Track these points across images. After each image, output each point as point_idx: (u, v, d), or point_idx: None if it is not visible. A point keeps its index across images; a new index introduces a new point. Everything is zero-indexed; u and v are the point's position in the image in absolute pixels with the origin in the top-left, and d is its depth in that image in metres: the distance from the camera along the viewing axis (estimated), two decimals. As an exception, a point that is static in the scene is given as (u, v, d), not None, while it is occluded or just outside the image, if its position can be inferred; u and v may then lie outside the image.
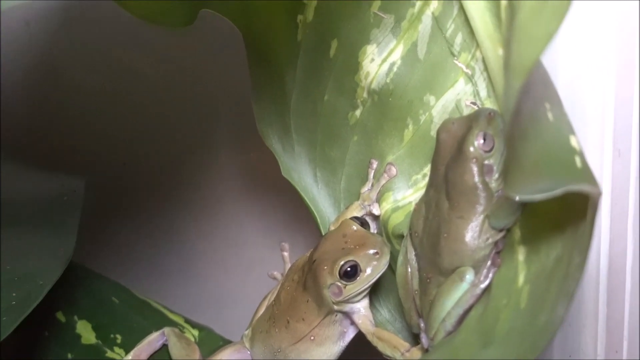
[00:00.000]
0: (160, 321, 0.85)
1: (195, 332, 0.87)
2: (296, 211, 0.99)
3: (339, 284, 0.74)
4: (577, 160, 0.54)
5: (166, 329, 0.84)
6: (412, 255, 0.73)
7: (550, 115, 0.58)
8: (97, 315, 0.79)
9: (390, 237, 0.79)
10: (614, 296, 0.67)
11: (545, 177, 0.55)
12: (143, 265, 1.06)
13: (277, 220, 1.04)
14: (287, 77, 0.81)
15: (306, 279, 0.77)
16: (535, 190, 0.53)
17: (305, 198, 0.84)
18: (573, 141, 0.57)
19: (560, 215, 0.61)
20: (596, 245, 0.72)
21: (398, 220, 0.77)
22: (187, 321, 0.88)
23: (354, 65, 0.73)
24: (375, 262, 0.73)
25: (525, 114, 0.56)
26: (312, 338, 0.73)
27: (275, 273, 0.89)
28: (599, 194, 0.52)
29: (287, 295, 0.80)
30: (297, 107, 0.83)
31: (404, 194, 0.78)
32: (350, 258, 0.72)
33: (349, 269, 0.72)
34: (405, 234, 0.74)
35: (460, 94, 0.73)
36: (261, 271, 0.89)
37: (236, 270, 1.07)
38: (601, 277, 0.69)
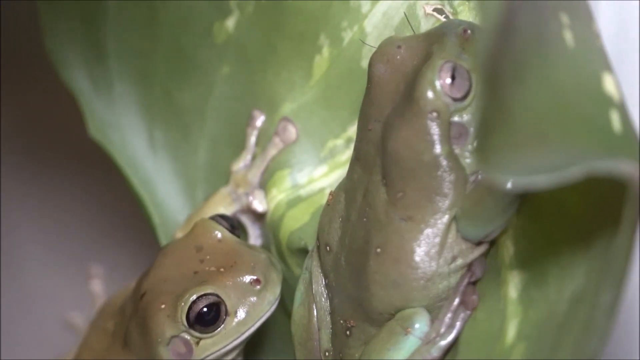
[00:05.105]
0: None
1: None
2: (116, 205, 1.00)
3: (187, 336, 0.74)
4: (615, 117, 0.56)
5: None
6: (321, 287, 0.73)
7: (569, 37, 0.58)
8: None
9: (284, 254, 0.79)
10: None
11: (557, 146, 0.55)
12: None
13: (80, 222, 1.04)
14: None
15: (129, 328, 0.77)
16: (540, 170, 0.54)
17: (133, 179, 0.84)
18: (608, 84, 0.58)
19: (585, 219, 0.62)
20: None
21: (298, 223, 0.78)
22: None
23: None
24: (253, 299, 0.74)
25: (524, 33, 0.56)
26: None
27: (74, 317, 0.90)
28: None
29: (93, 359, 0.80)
30: (119, 9, 0.82)
31: (310, 174, 0.79)
32: (209, 290, 0.73)
33: (205, 309, 0.74)
34: (310, 249, 0.75)
35: (416, -7, 0.74)
36: (49, 316, 0.90)
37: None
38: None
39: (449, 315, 0.67)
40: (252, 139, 0.80)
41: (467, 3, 0.73)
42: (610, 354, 0.83)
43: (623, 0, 0.79)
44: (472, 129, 0.67)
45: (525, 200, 0.65)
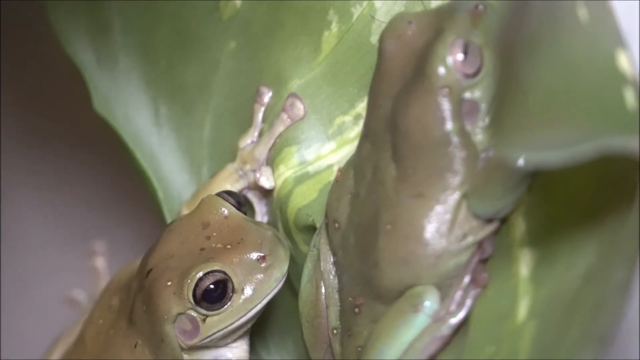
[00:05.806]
0: None
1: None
2: (120, 180, 1.00)
3: (194, 314, 0.75)
4: (629, 94, 0.56)
5: None
6: (329, 264, 0.73)
7: (582, 12, 0.58)
8: None
9: (292, 231, 0.79)
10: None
11: (570, 124, 0.55)
12: None
13: (83, 198, 1.04)
14: None
15: (134, 305, 0.77)
16: (552, 147, 0.54)
17: (137, 155, 0.84)
18: (622, 60, 0.57)
19: (596, 197, 0.62)
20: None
21: (306, 200, 0.78)
22: None
23: None
24: (260, 276, 0.74)
25: (538, 8, 0.57)
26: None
27: (77, 294, 0.90)
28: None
29: (97, 336, 0.80)
30: (125, -17, 0.82)
31: (318, 150, 0.79)
32: (215, 267, 0.74)
33: (211, 286, 0.74)
34: (318, 226, 0.75)
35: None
36: (52, 293, 0.90)
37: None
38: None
39: (459, 292, 0.67)
40: (260, 115, 0.80)
41: None
42: (610, 354, 0.84)
43: (623, 0, 0.80)
44: (483, 106, 0.67)
45: (536, 178, 0.65)
